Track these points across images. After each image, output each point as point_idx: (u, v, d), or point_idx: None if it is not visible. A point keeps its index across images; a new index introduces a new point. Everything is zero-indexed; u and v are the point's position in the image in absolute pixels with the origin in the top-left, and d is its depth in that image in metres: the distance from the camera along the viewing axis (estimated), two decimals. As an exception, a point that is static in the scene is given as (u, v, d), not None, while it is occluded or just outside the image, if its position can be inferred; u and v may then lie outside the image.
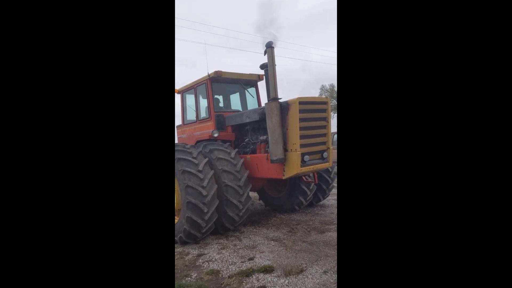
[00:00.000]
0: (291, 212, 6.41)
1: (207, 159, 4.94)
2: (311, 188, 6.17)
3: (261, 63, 5.37)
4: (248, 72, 6.53)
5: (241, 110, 6.68)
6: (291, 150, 4.69)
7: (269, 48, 4.66)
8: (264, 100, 6.44)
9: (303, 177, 5.86)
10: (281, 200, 6.44)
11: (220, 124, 6.01)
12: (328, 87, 38.34)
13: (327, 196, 6.94)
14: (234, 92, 6.97)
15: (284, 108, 4.73)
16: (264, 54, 4.81)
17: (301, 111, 4.65)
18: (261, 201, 7.12)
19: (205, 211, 4.54)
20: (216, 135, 5.58)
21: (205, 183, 4.60)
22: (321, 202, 7.02)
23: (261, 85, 6.95)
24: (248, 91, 6.70)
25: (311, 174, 5.84)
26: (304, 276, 3.40)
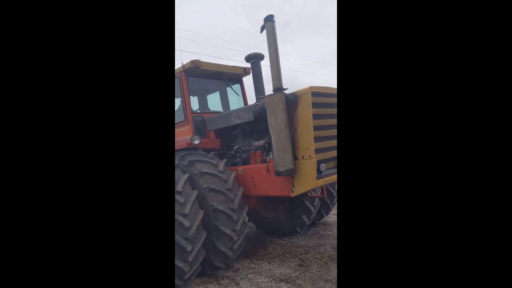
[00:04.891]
0: (290, 235, 5.19)
1: (187, 175, 3.60)
2: (315, 204, 5.01)
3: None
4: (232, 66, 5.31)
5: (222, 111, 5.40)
6: (303, 157, 3.49)
7: (269, 22, 3.49)
8: (251, 99, 5.25)
9: (308, 192, 4.69)
10: (278, 221, 5.18)
11: (199, 128, 4.70)
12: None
13: (330, 212, 5.82)
14: (213, 91, 5.70)
15: (291, 102, 3.55)
16: (261, 31, 3.63)
17: (314, 105, 3.48)
18: (250, 222, 5.82)
19: (189, 249, 3.18)
20: (196, 142, 4.22)
21: (186, 210, 3.26)
22: (322, 220, 5.88)
23: (247, 81, 5.77)
24: (232, 87, 5.45)
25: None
26: None
